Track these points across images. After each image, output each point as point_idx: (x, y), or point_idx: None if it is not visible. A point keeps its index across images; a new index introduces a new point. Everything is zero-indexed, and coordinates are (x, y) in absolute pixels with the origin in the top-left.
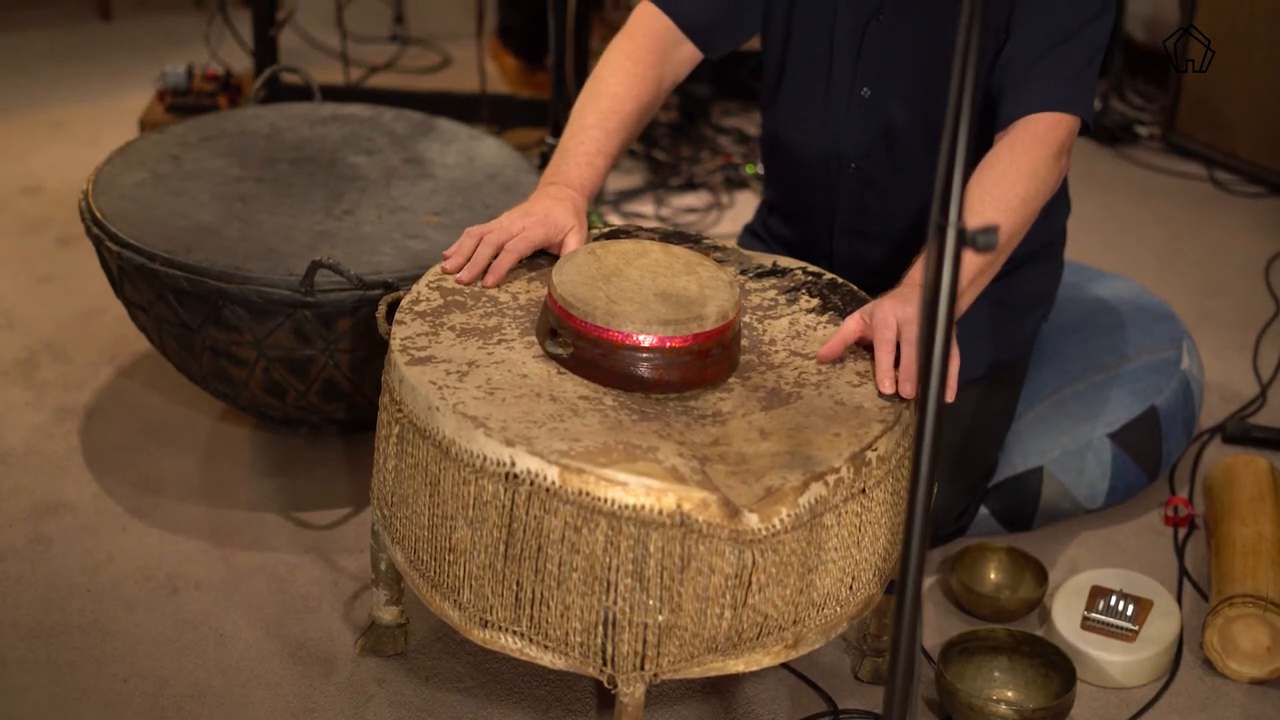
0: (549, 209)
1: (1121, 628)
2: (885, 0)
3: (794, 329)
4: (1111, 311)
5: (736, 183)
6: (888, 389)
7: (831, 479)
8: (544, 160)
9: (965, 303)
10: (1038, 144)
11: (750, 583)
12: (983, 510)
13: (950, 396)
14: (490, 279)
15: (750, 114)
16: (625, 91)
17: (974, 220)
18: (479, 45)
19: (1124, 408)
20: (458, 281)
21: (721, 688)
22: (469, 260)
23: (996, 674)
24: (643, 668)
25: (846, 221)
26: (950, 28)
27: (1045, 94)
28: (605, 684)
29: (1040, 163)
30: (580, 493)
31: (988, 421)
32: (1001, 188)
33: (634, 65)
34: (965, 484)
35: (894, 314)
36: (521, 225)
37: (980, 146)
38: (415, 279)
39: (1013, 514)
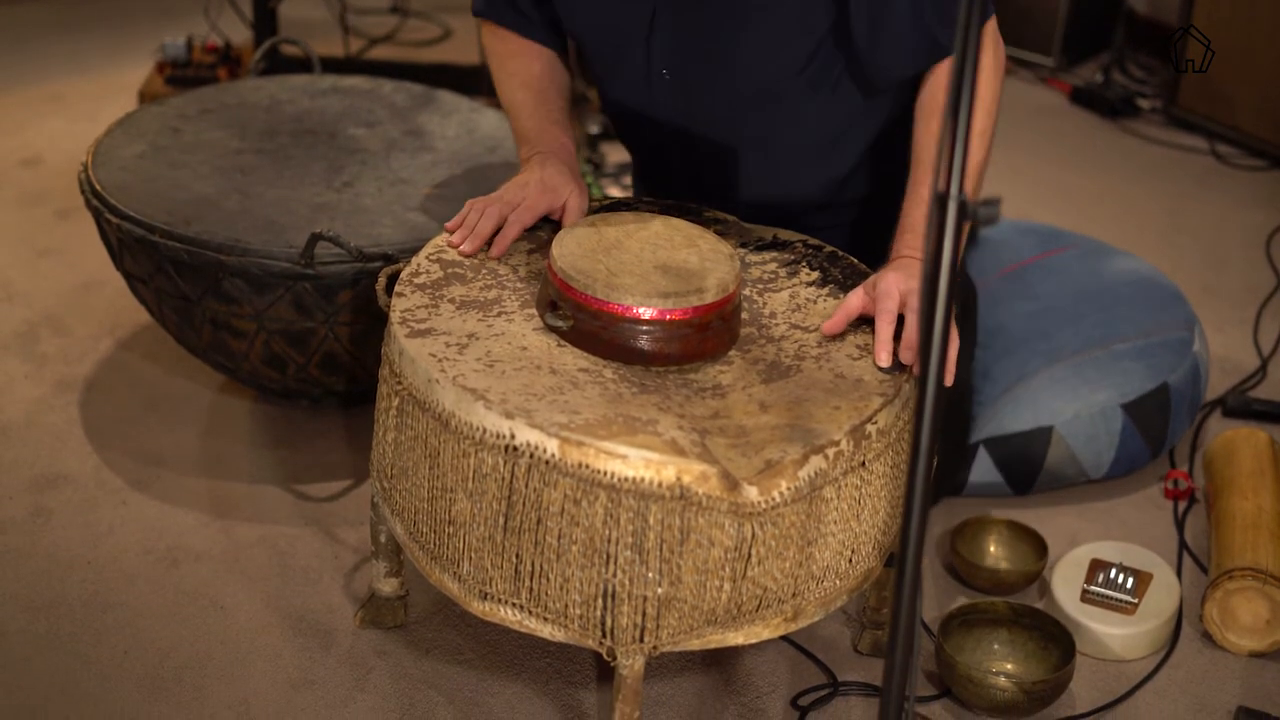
0: (545, 177)
1: (1121, 600)
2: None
3: (794, 302)
4: (1130, 285)
5: None
6: (884, 361)
7: (831, 452)
8: None
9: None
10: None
11: (750, 555)
12: (986, 462)
13: (948, 380)
14: (495, 250)
15: None
16: (523, 67)
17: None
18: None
19: (1139, 380)
20: (460, 253)
21: (721, 660)
22: (473, 232)
23: (996, 646)
24: (642, 640)
25: (686, 187)
26: (730, 6)
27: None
28: (605, 656)
29: (984, 86)
30: (580, 465)
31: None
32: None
33: (506, 46)
34: (950, 442)
35: (897, 286)
36: (522, 196)
37: (865, 101)
38: (415, 251)
39: (1016, 470)
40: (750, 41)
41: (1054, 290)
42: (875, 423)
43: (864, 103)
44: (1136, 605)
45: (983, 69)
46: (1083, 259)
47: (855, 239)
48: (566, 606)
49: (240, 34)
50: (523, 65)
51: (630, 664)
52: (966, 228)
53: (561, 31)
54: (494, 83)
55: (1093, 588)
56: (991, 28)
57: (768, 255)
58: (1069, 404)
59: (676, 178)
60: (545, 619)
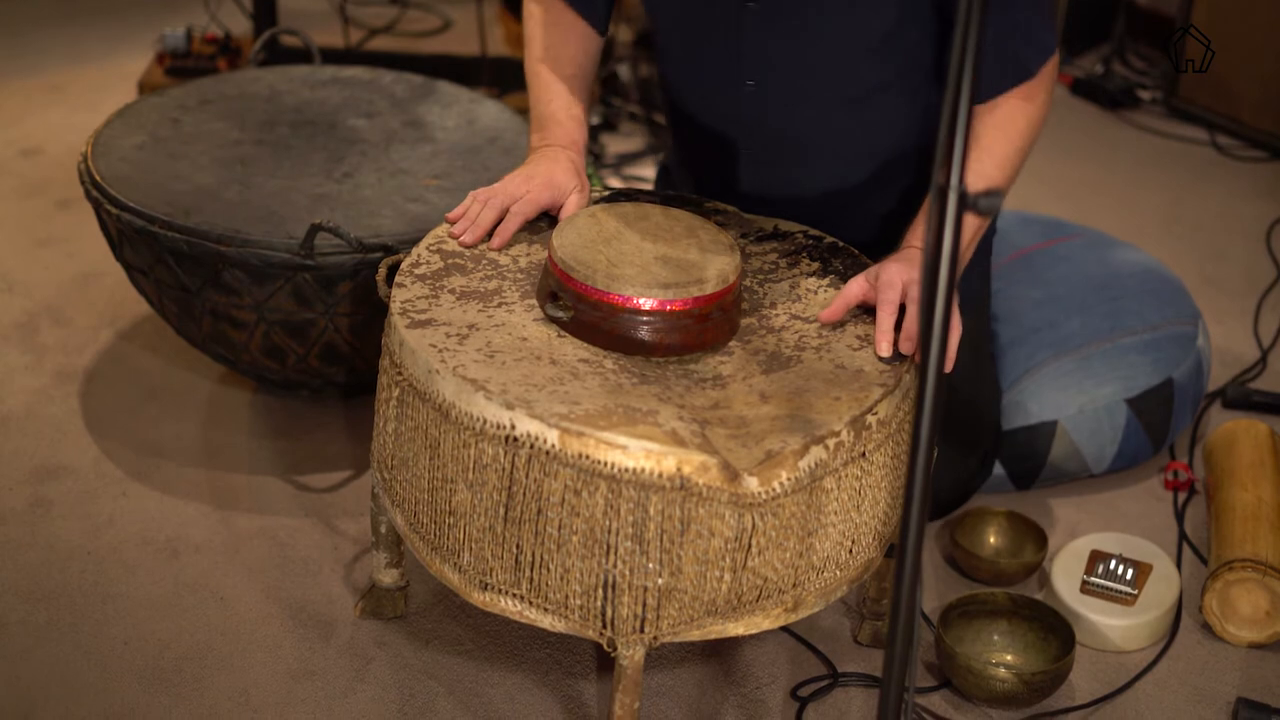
0: (550, 171)
1: (1121, 592)
2: None
3: (794, 292)
4: (1136, 277)
5: None
6: (885, 351)
7: (831, 442)
8: None
9: (962, 264)
10: (1029, 97)
11: (750, 546)
12: None
13: (948, 366)
14: (496, 242)
15: None
16: (558, 44)
17: (973, 177)
18: (479, 8)
19: (1145, 375)
20: (460, 244)
21: (721, 651)
22: (474, 223)
23: (996, 637)
24: (642, 630)
25: (751, 192)
26: (825, 13)
27: (1034, 51)
28: (605, 647)
29: (1035, 113)
30: (580, 456)
31: (977, 385)
32: (1001, 145)
33: (550, 14)
34: (971, 449)
35: (899, 276)
36: (525, 189)
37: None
38: (415, 242)
39: (1020, 464)
40: (850, 47)
41: (1061, 278)
42: (876, 413)
43: (934, 114)
44: (1136, 596)
45: (1041, 101)
46: (1087, 249)
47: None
48: (567, 597)
49: (240, 25)
50: (558, 40)
51: (630, 654)
52: (980, 229)
53: (608, 16)
54: (525, 44)
55: (1092, 579)
56: (1054, 64)
57: (768, 246)
58: (1074, 398)
59: (723, 172)
60: (545, 610)
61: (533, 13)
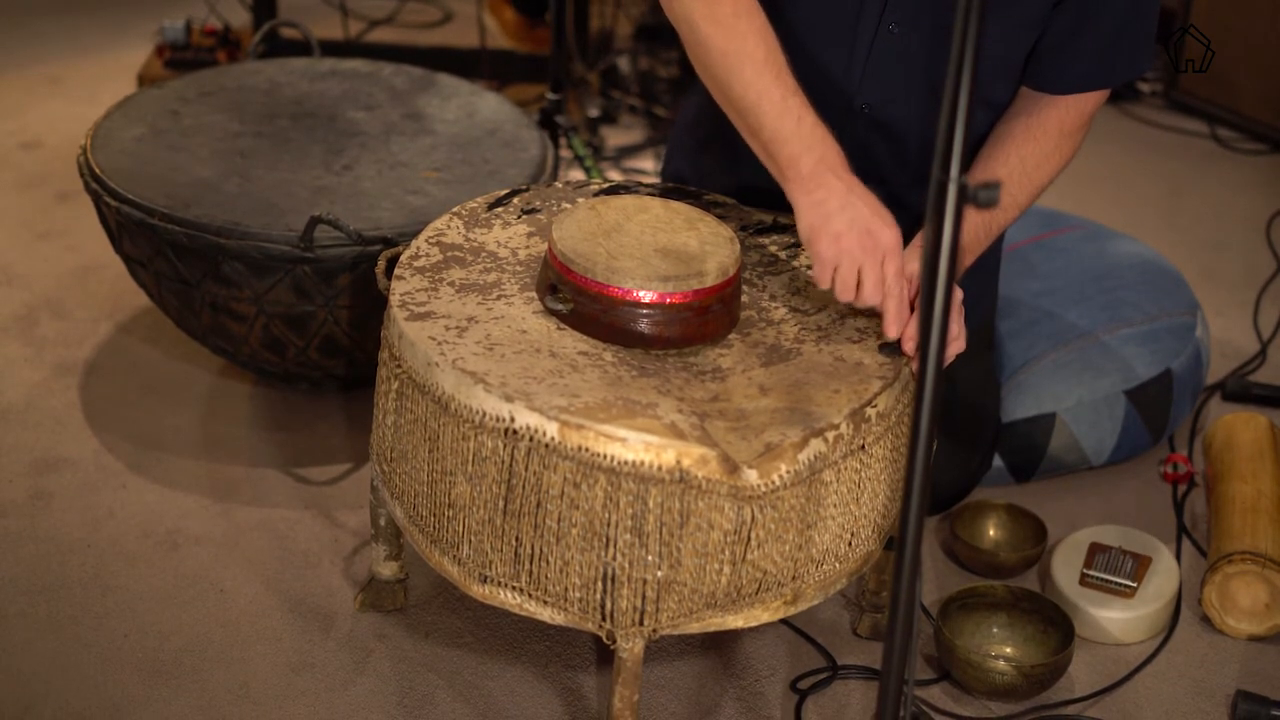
0: (868, 221)
1: (1120, 584)
2: None
3: (794, 285)
4: (1134, 268)
5: None
6: (893, 334)
7: (831, 435)
8: (544, 115)
9: (967, 260)
10: (1082, 125)
11: (749, 539)
12: None
13: (951, 352)
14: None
15: None
16: (767, 48)
17: (1006, 195)
18: (479, 1)
19: (1143, 366)
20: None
21: (720, 643)
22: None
23: (995, 630)
24: (642, 623)
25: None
26: None
27: (1121, 67)
28: (604, 639)
29: (1078, 144)
30: (579, 448)
31: (980, 385)
32: (1042, 172)
33: (748, 20)
34: (973, 448)
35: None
36: (880, 255)
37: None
38: (414, 234)
39: (1018, 458)
40: (984, 72)
41: (1059, 270)
42: (875, 406)
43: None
44: (1135, 589)
45: (1076, 139)
46: (1085, 241)
47: None
48: (566, 590)
49: (239, 17)
50: (766, 48)
51: (630, 647)
52: (990, 229)
53: None
54: (726, 52)
55: (1092, 571)
56: (1104, 95)
57: (768, 238)
58: (1072, 390)
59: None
60: (545, 602)
61: (721, 22)
